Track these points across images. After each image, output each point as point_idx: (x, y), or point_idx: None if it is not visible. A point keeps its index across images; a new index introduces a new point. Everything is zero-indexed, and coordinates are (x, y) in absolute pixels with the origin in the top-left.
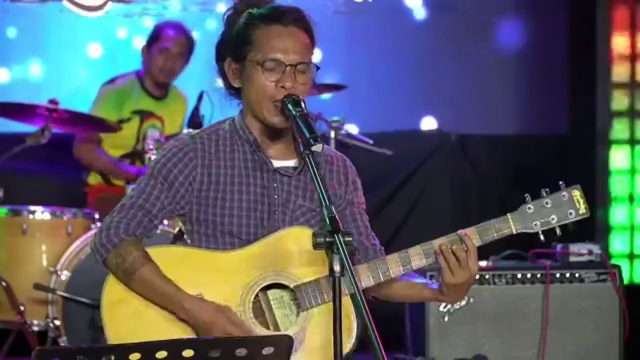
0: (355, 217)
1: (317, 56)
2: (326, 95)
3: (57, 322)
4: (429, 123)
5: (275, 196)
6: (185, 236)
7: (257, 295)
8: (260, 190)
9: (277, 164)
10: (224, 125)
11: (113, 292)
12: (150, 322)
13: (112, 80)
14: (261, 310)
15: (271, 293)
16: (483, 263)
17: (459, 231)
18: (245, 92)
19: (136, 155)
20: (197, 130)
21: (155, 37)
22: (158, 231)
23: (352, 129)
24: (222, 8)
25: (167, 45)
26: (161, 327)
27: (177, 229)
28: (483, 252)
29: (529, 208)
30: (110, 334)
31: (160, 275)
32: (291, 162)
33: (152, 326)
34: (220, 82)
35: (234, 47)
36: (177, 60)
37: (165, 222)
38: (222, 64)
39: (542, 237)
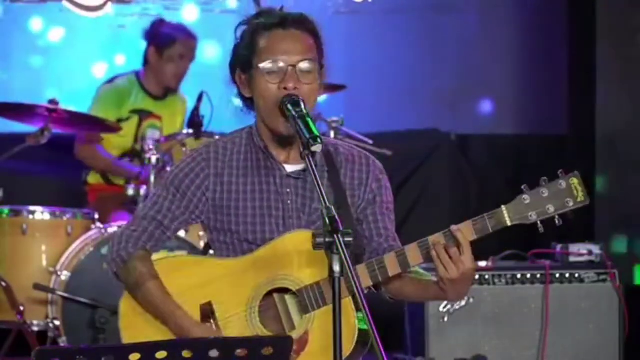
0: (376, 218)
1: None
2: (326, 96)
3: (57, 322)
4: (428, 123)
5: (289, 201)
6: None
7: (263, 300)
8: (275, 196)
9: (289, 168)
10: (242, 132)
11: (130, 300)
12: (164, 331)
13: (111, 80)
14: (277, 313)
15: (289, 298)
16: (483, 263)
17: (452, 227)
18: (255, 100)
19: (134, 154)
20: (215, 139)
21: (169, 42)
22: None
23: (352, 129)
24: (223, 7)
25: (183, 53)
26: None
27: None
28: (483, 252)
29: (524, 199)
30: (125, 341)
31: (161, 294)
32: (303, 166)
33: (165, 335)
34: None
35: (242, 57)
36: (188, 65)
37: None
38: (234, 76)
39: (541, 228)
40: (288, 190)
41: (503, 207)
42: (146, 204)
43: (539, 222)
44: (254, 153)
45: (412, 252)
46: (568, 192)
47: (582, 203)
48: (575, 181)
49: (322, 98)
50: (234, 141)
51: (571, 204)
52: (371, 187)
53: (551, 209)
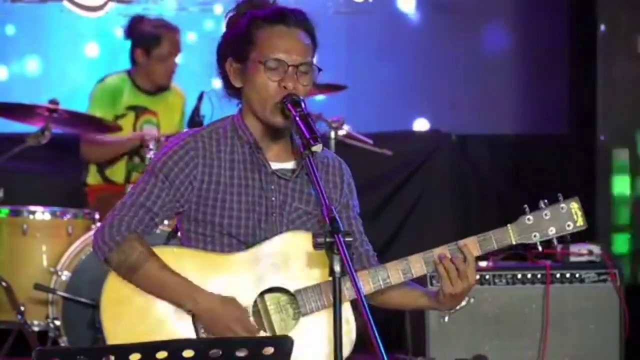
0: (350, 222)
1: (317, 57)
2: (326, 96)
3: (57, 322)
4: (429, 123)
5: (273, 198)
6: (179, 234)
7: (258, 299)
8: (259, 191)
9: (275, 166)
10: (224, 123)
11: (114, 292)
12: (152, 323)
13: (102, 79)
14: (258, 314)
15: (268, 297)
16: (483, 263)
17: (459, 242)
18: (246, 92)
19: (132, 151)
20: (196, 129)
21: (155, 42)
22: (158, 230)
23: (352, 129)
24: (220, 9)
25: (171, 50)
26: (162, 328)
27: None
28: None
29: (528, 219)
30: (109, 334)
31: (167, 268)
32: (289, 165)
33: (153, 327)
34: (218, 83)
35: (236, 47)
36: (176, 60)
37: (165, 222)
38: (223, 64)
39: (539, 248)
40: (272, 187)
41: (509, 227)
42: (133, 191)
43: (538, 242)
44: (239, 146)
45: (417, 263)
46: (568, 216)
47: (580, 228)
48: (575, 206)
49: (322, 98)
50: (218, 132)
51: (571, 227)
52: (345, 192)
53: (552, 230)
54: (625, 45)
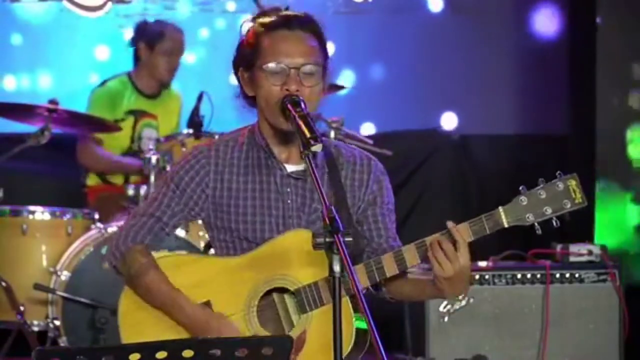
0: (376, 219)
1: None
2: (326, 96)
3: (57, 322)
4: (429, 123)
5: (289, 201)
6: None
7: (261, 299)
8: (275, 195)
9: (290, 168)
10: (243, 131)
11: (130, 299)
12: (164, 330)
13: (102, 83)
14: (276, 312)
15: (287, 297)
16: (483, 263)
17: (449, 223)
18: (257, 99)
19: (132, 154)
20: (218, 136)
21: (159, 36)
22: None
23: (352, 129)
24: (223, 7)
25: (174, 47)
26: (174, 334)
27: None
28: (483, 252)
29: (521, 200)
30: (126, 340)
31: (163, 282)
32: (304, 166)
33: (166, 333)
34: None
35: (245, 56)
36: (179, 60)
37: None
38: (237, 74)
39: (538, 230)
40: (288, 189)
41: (500, 209)
42: (147, 201)
43: (536, 224)
44: (254, 151)
45: (410, 252)
46: (566, 193)
47: (580, 205)
48: (573, 183)
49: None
50: (236, 139)
51: (569, 205)
52: (372, 188)
53: (548, 210)
54: (626, 45)
